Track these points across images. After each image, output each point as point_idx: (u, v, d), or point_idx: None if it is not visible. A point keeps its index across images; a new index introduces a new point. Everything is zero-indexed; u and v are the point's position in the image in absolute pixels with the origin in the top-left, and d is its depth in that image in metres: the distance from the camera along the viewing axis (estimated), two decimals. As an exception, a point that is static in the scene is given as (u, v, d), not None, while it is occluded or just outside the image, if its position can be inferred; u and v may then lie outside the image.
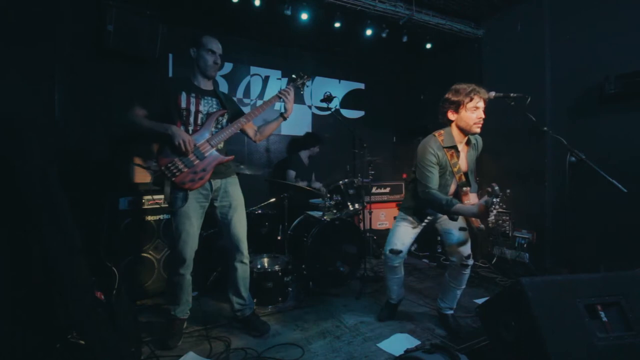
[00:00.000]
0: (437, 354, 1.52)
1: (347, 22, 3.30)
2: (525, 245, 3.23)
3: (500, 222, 3.40)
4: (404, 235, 2.18)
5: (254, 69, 4.09)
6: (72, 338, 1.23)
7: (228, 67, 3.93)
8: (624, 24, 2.60)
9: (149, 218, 2.70)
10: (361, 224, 3.43)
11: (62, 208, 1.35)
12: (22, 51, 2.20)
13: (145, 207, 2.69)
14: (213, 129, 2.02)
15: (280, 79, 4.20)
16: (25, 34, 2.21)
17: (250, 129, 2.26)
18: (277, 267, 2.60)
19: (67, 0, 2.76)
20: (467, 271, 2.15)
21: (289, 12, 3.04)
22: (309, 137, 4.06)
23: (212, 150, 1.99)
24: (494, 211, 1.63)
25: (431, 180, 1.94)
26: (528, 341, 1.40)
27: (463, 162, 2.04)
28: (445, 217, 2.06)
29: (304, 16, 3.18)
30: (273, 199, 3.35)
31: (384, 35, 3.47)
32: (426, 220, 2.18)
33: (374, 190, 4.07)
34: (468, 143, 2.07)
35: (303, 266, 2.80)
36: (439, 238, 3.40)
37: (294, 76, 2.30)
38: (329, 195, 3.14)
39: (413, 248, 3.97)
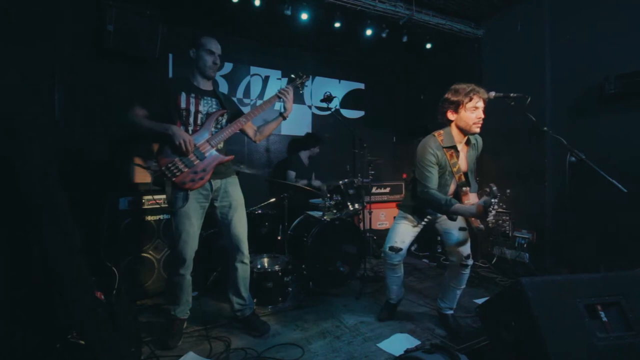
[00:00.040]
0: (437, 354, 1.52)
1: (347, 22, 3.30)
2: (525, 245, 3.23)
3: (500, 222, 3.38)
4: (404, 233, 2.19)
5: (254, 69, 4.10)
6: (72, 338, 1.23)
7: (228, 67, 3.93)
8: (624, 24, 2.60)
9: (149, 218, 2.70)
10: (361, 224, 3.43)
11: (62, 208, 1.35)
12: (22, 51, 2.20)
13: (145, 207, 2.69)
14: (213, 129, 2.02)
15: (280, 79, 4.19)
16: (25, 34, 2.21)
17: (250, 129, 2.26)
18: (277, 267, 2.60)
19: (67, 0, 2.76)
20: (467, 271, 2.15)
21: (289, 12, 3.05)
22: (309, 138, 4.06)
23: (212, 150, 1.99)
24: (493, 211, 1.63)
25: (430, 180, 1.94)
26: (528, 341, 1.40)
27: (463, 162, 2.05)
28: (445, 216, 2.06)
29: (304, 16, 3.18)
30: (273, 199, 3.35)
31: (384, 35, 3.47)
32: (426, 220, 2.18)
33: (374, 190, 4.07)
34: (468, 143, 2.07)
35: (303, 266, 2.80)
36: (439, 238, 3.40)
37: (292, 76, 2.31)
38: (329, 195, 3.14)
39: (413, 248, 3.98)
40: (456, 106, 1.93)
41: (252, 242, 2.30)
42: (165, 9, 3.13)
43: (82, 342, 1.24)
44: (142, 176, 2.74)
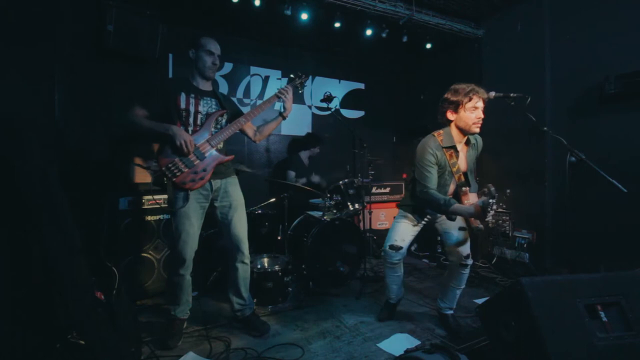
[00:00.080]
0: (437, 354, 1.52)
1: (347, 22, 3.30)
2: (525, 245, 3.23)
3: (500, 222, 3.40)
4: (404, 232, 2.19)
5: (254, 69, 4.10)
6: (72, 338, 1.23)
7: (228, 67, 3.93)
8: (624, 24, 2.60)
9: (149, 218, 2.70)
10: (361, 224, 3.43)
11: (62, 208, 1.35)
12: (22, 51, 2.20)
13: (145, 207, 2.69)
14: (212, 129, 2.03)
15: (280, 79, 4.19)
16: (25, 34, 2.21)
17: (250, 129, 2.26)
18: (277, 267, 2.60)
19: (67, 0, 2.76)
20: (467, 271, 2.15)
21: (289, 12, 3.04)
22: (309, 138, 4.06)
23: (212, 151, 1.99)
24: (491, 212, 1.64)
25: (430, 180, 1.94)
26: (528, 341, 1.40)
27: (462, 162, 2.05)
28: (445, 216, 2.06)
29: (304, 16, 3.18)
30: (273, 199, 3.35)
31: (384, 35, 3.47)
32: (426, 219, 2.18)
33: (374, 190, 4.07)
34: (467, 143, 2.07)
35: (303, 266, 2.80)
36: (438, 238, 3.39)
37: (292, 76, 2.32)
38: (329, 195, 3.14)
39: (413, 248, 3.98)
40: (456, 106, 1.93)
41: (252, 242, 2.30)
42: (165, 9, 3.13)
43: (82, 342, 1.24)
44: (142, 176, 2.74)
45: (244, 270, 2.18)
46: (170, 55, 3.56)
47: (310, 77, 4.43)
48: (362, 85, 4.86)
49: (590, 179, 1.89)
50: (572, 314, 1.39)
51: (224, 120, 2.10)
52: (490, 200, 1.61)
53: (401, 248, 2.17)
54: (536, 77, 3.16)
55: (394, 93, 5.04)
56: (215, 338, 2.09)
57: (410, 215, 2.17)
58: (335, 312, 2.50)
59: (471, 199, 2.02)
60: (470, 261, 2.13)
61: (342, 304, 2.64)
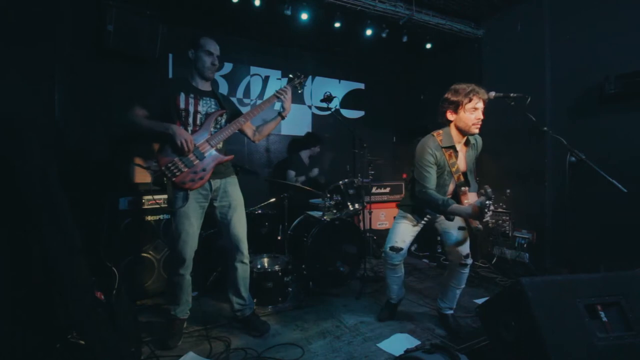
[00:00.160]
0: (437, 354, 1.52)
1: (347, 22, 3.30)
2: (525, 245, 3.23)
3: (500, 222, 3.40)
4: (404, 232, 2.19)
5: (254, 69, 4.10)
6: (72, 338, 1.23)
7: (228, 67, 3.93)
8: (624, 24, 2.60)
9: (149, 218, 2.70)
10: (361, 224, 3.43)
11: (62, 208, 1.35)
12: (22, 51, 2.20)
13: (145, 207, 2.69)
14: (212, 129, 2.03)
15: (280, 79, 4.19)
16: (25, 34, 2.21)
17: (249, 129, 2.26)
18: (277, 267, 2.60)
19: (67, 0, 2.76)
20: (466, 270, 2.15)
21: (289, 12, 3.05)
22: (309, 137, 4.06)
23: (211, 150, 1.99)
24: (489, 212, 1.66)
25: (428, 180, 1.95)
26: (528, 341, 1.40)
27: (462, 162, 2.05)
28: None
29: (304, 16, 3.18)
30: (273, 199, 3.35)
31: (384, 35, 3.47)
32: (425, 219, 2.18)
33: (374, 190, 4.07)
34: (467, 143, 2.07)
35: (303, 266, 2.80)
36: (438, 238, 3.39)
37: (291, 76, 2.32)
38: (329, 195, 3.14)
39: (413, 248, 3.98)
40: (455, 106, 1.93)
41: (252, 242, 2.30)
42: (165, 9, 3.13)
43: (82, 342, 1.24)
44: (142, 176, 2.74)
45: (243, 270, 2.18)
46: (170, 55, 3.56)
47: (310, 77, 4.43)
48: (362, 85, 4.86)
49: (590, 179, 1.89)
50: (572, 314, 1.39)
51: (223, 120, 2.11)
52: (487, 202, 1.63)
53: (402, 249, 2.17)
54: (536, 77, 3.16)
55: (394, 93, 5.04)
56: (215, 338, 2.09)
57: (410, 216, 2.17)
58: (335, 312, 2.50)
59: (471, 198, 2.02)
60: (469, 261, 2.13)
61: (342, 304, 2.64)
